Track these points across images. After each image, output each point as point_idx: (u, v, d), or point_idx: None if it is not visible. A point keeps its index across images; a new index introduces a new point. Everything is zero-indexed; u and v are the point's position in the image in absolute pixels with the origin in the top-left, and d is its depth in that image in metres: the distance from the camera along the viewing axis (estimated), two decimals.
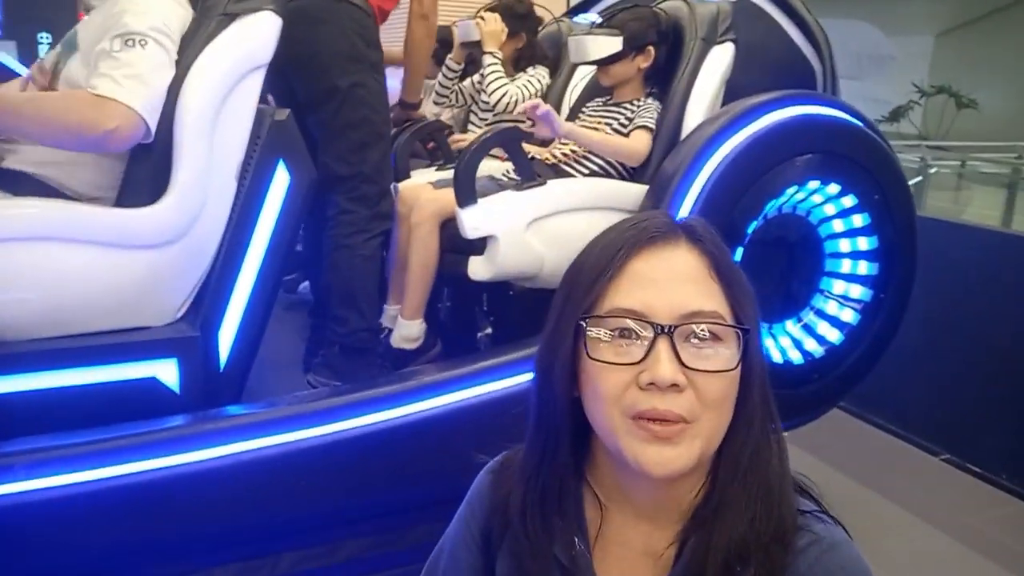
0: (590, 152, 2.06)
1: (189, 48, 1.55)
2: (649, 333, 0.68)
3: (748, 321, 0.71)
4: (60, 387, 1.46)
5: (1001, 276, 2.94)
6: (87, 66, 1.49)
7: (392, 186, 2.09)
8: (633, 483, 0.74)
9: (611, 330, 0.70)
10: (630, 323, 0.69)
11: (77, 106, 1.41)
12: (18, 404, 1.43)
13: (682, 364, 0.67)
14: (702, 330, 0.68)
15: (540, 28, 2.67)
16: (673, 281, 0.70)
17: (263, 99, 1.69)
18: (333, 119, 1.91)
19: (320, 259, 2.04)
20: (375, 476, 1.63)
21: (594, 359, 0.70)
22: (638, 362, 0.68)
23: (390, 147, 2.15)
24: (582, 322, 0.71)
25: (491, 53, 2.47)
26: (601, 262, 0.72)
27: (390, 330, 2.09)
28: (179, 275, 1.58)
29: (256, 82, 1.61)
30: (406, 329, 2.00)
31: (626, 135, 2.04)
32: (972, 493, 2.69)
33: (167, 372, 1.55)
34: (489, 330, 2.17)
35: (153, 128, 1.48)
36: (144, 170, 1.53)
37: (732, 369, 0.69)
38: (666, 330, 0.67)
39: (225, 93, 1.55)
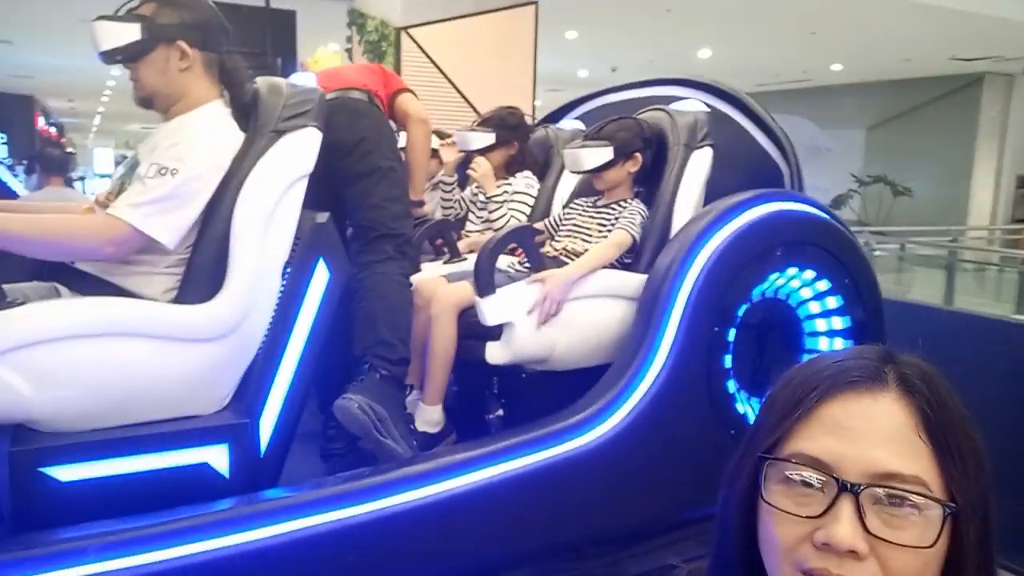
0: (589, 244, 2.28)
1: (243, 163, 1.72)
2: (832, 488, 0.61)
3: (963, 495, 0.61)
4: (120, 474, 1.56)
5: (954, 352, 3.19)
6: None
7: None
8: None
9: (791, 475, 0.63)
10: (812, 474, 0.62)
11: (77, 228, 1.60)
12: (84, 490, 1.52)
13: (866, 530, 0.59)
14: (896, 496, 0.60)
15: (529, 135, 2.92)
16: (870, 434, 0.62)
17: None
18: (373, 191, 2.15)
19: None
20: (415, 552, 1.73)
21: (768, 503, 0.64)
22: (816, 517, 0.61)
23: None
24: (761, 461, 0.65)
25: (492, 193, 2.70)
26: (793, 399, 0.65)
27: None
28: (229, 366, 1.70)
29: (301, 189, 1.79)
30: (428, 414, 2.12)
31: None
32: None
33: (218, 457, 1.66)
34: (500, 412, 2.29)
35: (170, 242, 1.63)
36: (202, 271, 1.67)
37: (928, 547, 0.59)
38: (852, 489, 0.60)
39: (275, 202, 1.73)
